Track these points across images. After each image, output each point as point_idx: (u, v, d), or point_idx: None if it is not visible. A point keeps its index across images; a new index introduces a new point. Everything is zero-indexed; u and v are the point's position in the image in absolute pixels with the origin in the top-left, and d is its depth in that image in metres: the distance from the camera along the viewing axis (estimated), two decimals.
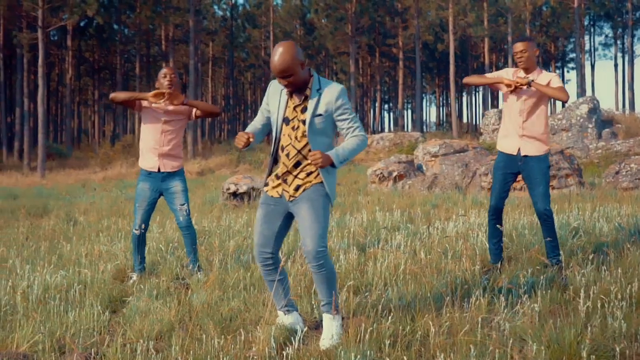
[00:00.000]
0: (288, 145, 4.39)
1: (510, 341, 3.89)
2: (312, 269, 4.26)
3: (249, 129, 4.65)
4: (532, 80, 6.10)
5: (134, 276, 6.60)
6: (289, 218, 4.53)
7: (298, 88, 4.34)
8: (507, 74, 6.36)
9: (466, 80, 6.45)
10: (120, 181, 25.37)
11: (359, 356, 3.72)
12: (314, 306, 5.05)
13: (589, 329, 4.09)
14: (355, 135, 4.32)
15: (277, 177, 4.47)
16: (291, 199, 4.38)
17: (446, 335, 4.14)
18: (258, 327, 4.37)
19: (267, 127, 4.72)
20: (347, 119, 4.33)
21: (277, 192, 4.48)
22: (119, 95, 6.49)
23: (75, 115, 77.48)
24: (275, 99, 4.50)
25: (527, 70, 6.26)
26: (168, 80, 6.46)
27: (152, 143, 6.54)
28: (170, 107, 6.53)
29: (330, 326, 4.32)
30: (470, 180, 16.00)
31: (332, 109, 4.31)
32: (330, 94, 4.30)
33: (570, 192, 13.78)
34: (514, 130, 6.30)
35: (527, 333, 4.09)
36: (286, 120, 4.41)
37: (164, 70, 6.53)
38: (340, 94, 4.30)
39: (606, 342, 3.93)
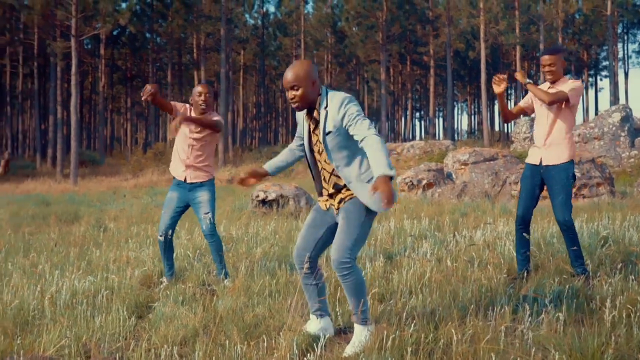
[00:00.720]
0: (322, 170, 4.44)
1: (533, 350, 3.86)
2: (339, 278, 4.30)
3: (275, 159, 4.85)
4: (529, 83, 6.18)
5: (164, 281, 6.68)
6: (334, 230, 4.58)
7: (306, 106, 4.30)
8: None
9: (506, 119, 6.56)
10: (150, 188, 25.57)
11: None
12: (338, 313, 5.06)
13: (613, 338, 4.05)
14: (368, 135, 4.05)
15: (325, 196, 4.52)
16: (337, 211, 4.43)
17: (469, 343, 4.13)
18: (281, 334, 4.38)
19: (294, 153, 4.83)
20: (354, 123, 4.13)
21: (325, 205, 4.54)
22: (159, 98, 6.50)
23: (108, 122, 78.30)
24: (301, 125, 4.55)
25: (554, 82, 6.25)
26: (203, 99, 6.52)
27: (181, 153, 6.64)
28: (191, 135, 6.60)
29: (359, 335, 4.35)
30: (500, 188, 15.91)
31: (339, 121, 4.20)
32: (333, 108, 4.21)
33: (601, 201, 13.66)
34: (539, 140, 6.31)
35: (550, 342, 4.06)
36: (312, 147, 4.44)
37: (199, 89, 6.56)
38: (341, 104, 4.18)
39: (630, 352, 3.90)
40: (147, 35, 59.30)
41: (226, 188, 23.96)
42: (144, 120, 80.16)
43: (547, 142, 6.22)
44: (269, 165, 4.80)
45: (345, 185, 4.37)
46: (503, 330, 4.23)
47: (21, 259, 8.30)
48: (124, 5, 52.19)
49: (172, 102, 6.63)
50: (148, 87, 6.11)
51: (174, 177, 6.79)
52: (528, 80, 6.21)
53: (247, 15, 69.71)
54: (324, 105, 4.26)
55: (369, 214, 4.31)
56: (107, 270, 7.19)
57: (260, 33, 69.94)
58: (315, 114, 4.31)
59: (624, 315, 4.55)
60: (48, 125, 53.87)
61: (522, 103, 6.56)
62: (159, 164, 38.17)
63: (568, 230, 6.11)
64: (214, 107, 6.68)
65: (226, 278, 6.57)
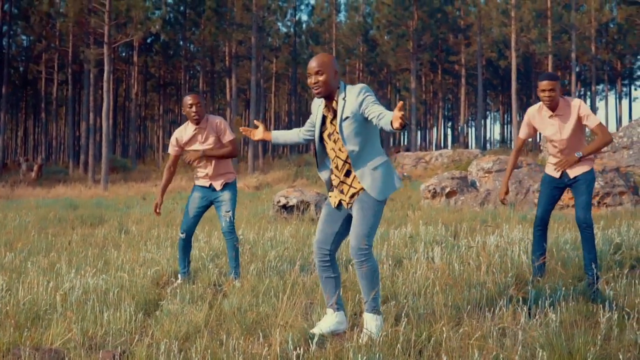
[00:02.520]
0: (335, 158, 4.70)
1: (519, 348, 3.93)
2: (355, 265, 4.54)
3: (278, 132, 5.18)
4: (581, 156, 6.16)
5: (179, 279, 6.86)
6: (349, 222, 4.82)
7: (326, 93, 4.55)
8: (534, 118, 6.45)
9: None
10: (178, 193, 25.84)
11: (366, 358, 3.80)
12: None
13: (600, 337, 4.10)
14: (384, 113, 4.20)
15: (335, 187, 4.77)
16: (349, 205, 4.68)
17: (459, 341, 4.20)
18: (277, 329, 4.49)
19: (299, 136, 5.10)
20: (371, 106, 4.36)
21: (334, 202, 4.78)
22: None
23: (141, 129, 79.02)
24: (315, 112, 4.79)
25: (553, 108, 6.26)
26: (195, 111, 6.68)
27: (202, 172, 6.89)
28: (196, 148, 6.80)
29: (370, 323, 4.55)
30: (524, 196, 15.88)
31: (357, 107, 4.45)
32: (352, 95, 4.49)
33: (624, 209, 13.59)
34: (557, 161, 6.38)
35: (538, 342, 4.12)
36: (329, 136, 4.68)
37: (189, 101, 6.69)
38: (360, 91, 4.45)
39: (616, 352, 3.95)
40: (180, 42, 59.83)
41: (252, 194, 24.14)
42: (177, 127, 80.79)
43: (574, 163, 6.32)
44: (274, 133, 5.15)
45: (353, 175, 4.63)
46: (496, 330, 4.30)
47: (41, 258, 8.49)
48: (157, 13, 52.69)
49: (170, 151, 6.98)
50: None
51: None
52: (579, 155, 6.24)
53: (279, 23, 70.04)
54: (342, 96, 4.53)
55: (380, 202, 4.58)
56: (122, 269, 7.35)
57: (293, 41, 70.26)
58: (334, 104, 4.58)
59: (617, 318, 4.59)
60: (81, 131, 54.56)
61: (523, 135, 6.62)
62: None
63: (587, 229, 6.16)
64: (204, 114, 6.83)
65: (237, 278, 6.70)
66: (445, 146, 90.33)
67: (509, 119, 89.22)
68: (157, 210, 6.94)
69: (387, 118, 4.09)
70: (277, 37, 72.85)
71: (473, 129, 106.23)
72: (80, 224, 13.59)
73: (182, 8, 56.61)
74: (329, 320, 4.78)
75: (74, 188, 33.10)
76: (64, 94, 70.35)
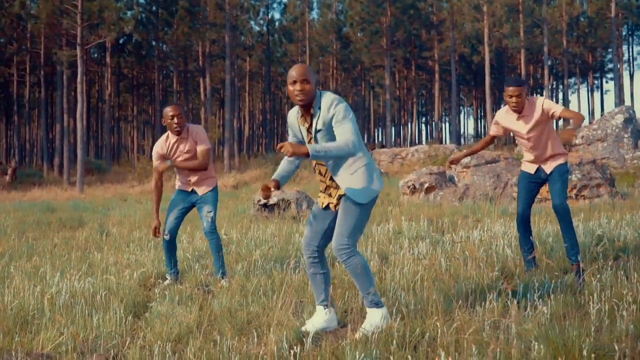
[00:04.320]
0: (316, 165, 4.78)
1: (514, 341, 3.96)
2: (341, 262, 4.59)
3: (277, 171, 5.00)
4: (573, 127, 6.21)
5: (168, 279, 6.85)
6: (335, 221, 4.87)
7: (308, 101, 4.53)
8: (503, 120, 6.51)
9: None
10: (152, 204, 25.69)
11: (363, 355, 3.81)
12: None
13: (592, 328, 4.14)
14: (343, 139, 4.35)
15: (323, 191, 4.84)
16: (336, 207, 4.75)
17: (454, 336, 4.22)
18: (271, 329, 4.49)
19: (292, 162, 5.02)
20: (338, 126, 4.43)
21: (322, 203, 4.85)
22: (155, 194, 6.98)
23: (114, 130, 78.54)
24: (295, 126, 4.80)
25: (519, 111, 6.31)
26: (176, 122, 6.66)
27: (184, 179, 6.92)
28: (180, 158, 6.77)
29: (372, 317, 4.60)
30: (502, 190, 15.99)
31: (328, 120, 4.49)
32: (324, 107, 4.50)
33: (601, 201, 13.72)
34: (538, 159, 6.47)
35: (532, 334, 4.15)
36: (308, 144, 4.70)
37: (170, 112, 6.66)
38: (330, 103, 4.47)
39: (610, 343, 3.99)
40: (153, 42, 59.50)
41: (230, 194, 24.08)
42: (151, 127, 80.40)
43: (548, 158, 6.41)
44: (277, 176, 4.98)
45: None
46: (489, 323, 4.33)
47: (24, 262, 8.42)
48: (129, 13, 52.34)
49: (154, 165, 6.91)
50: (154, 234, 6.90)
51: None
52: (572, 126, 6.29)
53: (252, 22, 69.85)
54: (317, 105, 4.54)
55: (363, 205, 4.58)
56: (107, 272, 7.31)
57: (266, 40, 70.08)
58: (312, 111, 4.58)
59: (606, 309, 4.63)
60: (55, 133, 54.12)
61: (492, 133, 6.69)
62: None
63: (565, 214, 6.23)
64: (185, 123, 6.81)
65: (223, 278, 6.70)
66: (420, 142, 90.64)
67: (482, 113, 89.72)
68: (157, 233, 6.87)
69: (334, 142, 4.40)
70: (251, 36, 72.66)
71: (447, 124, 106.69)
72: (59, 227, 13.48)
73: (154, 8, 56.28)
74: (319, 318, 4.81)
75: (49, 191, 32.84)
76: (37, 96, 69.72)
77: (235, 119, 52.98)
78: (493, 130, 6.66)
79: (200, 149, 6.72)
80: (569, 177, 6.58)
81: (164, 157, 6.84)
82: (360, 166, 4.59)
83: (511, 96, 6.19)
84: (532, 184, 6.53)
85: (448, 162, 6.74)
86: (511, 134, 6.77)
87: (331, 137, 4.53)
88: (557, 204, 6.26)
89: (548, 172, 6.40)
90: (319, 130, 4.53)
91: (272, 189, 4.70)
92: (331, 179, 4.71)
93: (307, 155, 4.21)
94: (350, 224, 4.54)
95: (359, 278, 4.56)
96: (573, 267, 6.20)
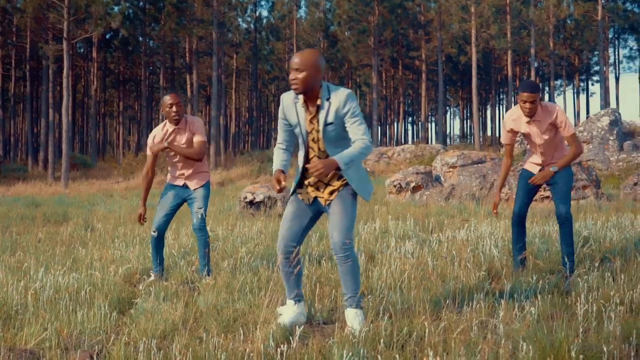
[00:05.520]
0: (313, 157, 4.65)
1: (502, 341, 3.94)
2: (338, 261, 4.50)
3: (277, 162, 4.80)
4: (556, 170, 6.22)
5: (152, 276, 6.78)
6: (316, 217, 4.81)
7: (304, 91, 4.47)
8: (514, 124, 6.43)
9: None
10: (141, 191, 25.61)
11: (350, 354, 3.78)
12: (317, 309, 5.13)
13: (580, 329, 4.14)
14: (360, 139, 4.41)
15: (310, 185, 4.70)
16: (327, 202, 4.64)
17: (442, 335, 4.21)
18: (258, 326, 4.46)
19: (291, 145, 4.91)
20: (353, 123, 4.44)
21: (308, 199, 4.72)
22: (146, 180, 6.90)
23: (100, 126, 78.19)
24: (291, 112, 4.66)
25: (531, 116, 6.23)
26: (175, 111, 6.59)
27: (177, 172, 6.83)
28: (182, 137, 6.70)
29: (352, 320, 4.53)
30: (488, 191, 16.02)
31: (341, 115, 4.46)
32: (337, 100, 4.45)
33: (587, 203, 13.76)
34: (545, 162, 6.43)
35: (520, 334, 4.14)
36: (308, 134, 4.62)
37: (169, 101, 6.61)
38: (347, 99, 4.43)
39: (597, 344, 3.98)
40: (140, 38, 59.23)
41: (216, 191, 24.01)
42: (137, 123, 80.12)
43: (551, 162, 6.40)
44: (280, 166, 4.79)
45: (335, 173, 4.58)
46: (476, 323, 4.31)
47: (8, 257, 8.35)
48: (116, 8, 52.08)
49: (149, 147, 6.84)
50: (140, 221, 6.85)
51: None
52: (555, 169, 6.28)
53: (239, 19, 69.67)
54: (325, 96, 4.49)
55: (355, 199, 4.61)
56: (92, 267, 7.25)
57: (253, 37, 69.95)
58: (318, 102, 4.50)
59: (594, 310, 4.63)
60: (40, 128, 53.82)
61: (507, 141, 6.56)
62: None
63: (567, 223, 6.23)
64: (183, 114, 6.75)
65: (208, 275, 6.65)
66: (406, 141, 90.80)
67: (468, 114, 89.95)
68: (142, 220, 6.84)
69: (354, 145, 4.41)
70: (238, 33, 72.55)
71: (433, 124, 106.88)
72: (44, 222, 13.39)
73: (141, 3, 56.02)
74: (289, 311, 4.81)
75: (34, 186, 32.64)
76: (22, 90, 69.32)
77: (222, 116, 52.77)
78: (507, 139, 6.53)
79: (197, 139, 6.66)
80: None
81: None
82: (362, 166, 4.64)
83: (525, 102, 6.11)
84: (532, 184, 6.49)
85: (494, 211, 6.64)
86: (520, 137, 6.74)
87: (341, 130, 4.51)
88: (562, 213, 6.24)
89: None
90: (330, 124, 4.48)
91: (284, 180, 4.61)
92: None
93: (337, 169, 4.30)
94: (349, 217, 4.51)
95: (352, 277, 4.52)
96: (564, 274, 6.20)
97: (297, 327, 4.46)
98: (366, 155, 4.39)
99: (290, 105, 4.66)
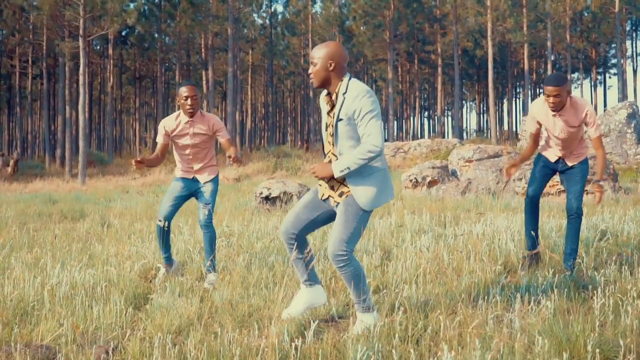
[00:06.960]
0: (329, 152, 4.49)
1: (518, 335, 3.92)
2: (336, 269, 4.41)
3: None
4: (599, 182, 6.09)
5: (162, 269, 6.74)
6: (331, 216, 4.63)
7: (320, 84, 4.37)
8: (538, 114, 6.27)
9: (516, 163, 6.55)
10: (157, 187, 25.70)
11: (365, 348, 3.78)
12: (333, 304, 5.12)
13: (597, 323, 4.11)
14: (365, 142, 4.20)
15: (326, 181, 4.52)
16: (335, 204, 4.46)
17: (457, 330, 4.19)
18: (272, 321, 4.45)
19: None
20: (362, 123, 4.22)
21: (323, 194, 4.56)
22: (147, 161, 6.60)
23: (117, 123, 78.54)
24: (322, 104, 4.57)
25: (557, 110, 6.02)
26: (190, 103, 6.45)
27: (186, 166, 6.72)
28: (186, 142, 6.62)
29: (363, 321, 4.43)
30: (505, 185, 15.94)
31: (351, 112, 4.24)
32: (350, 97, 4.24)
33: (605, 196, 13.67)
34: (564, 153, 6.34)
35: (536, 328, 4.12)
36: (327, 127, 4.48)
37: (185, 92, 6.45)
38: (357, 95, 4.21)
39: (614, 338, 3.95)
40: (155, 35, 59.43)
41: (232, 186, 24.05)
42: (153, 120, 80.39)
43: (573, 154, 6.31)
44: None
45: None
46: (492, 318, 4.29)
47: (25, 253, 8.39)
48: (132, 5, 52.24)
49: (158, 140, 6.73)
50: (134, 164, 6.29)
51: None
52: (602, 183, 6.23)
53: (255, 15, 69.77)
54: (342, 91, 4.32)
55: (367, 211, 4.39)
56: (108, 264, 7.28)
57: (269, 33, 70.06)
58: (333, 96, 4.37)
59: (611, 304, 4.60)
60: (57, 125, 54.10)
61: (533, 129, 6.43)
62: (167, 162, 38.32)
63: (577, 219, 6.17)
64: (199, 106, 6.69)
65: (211, 272, 6.57)
66: (422, 136, 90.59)
67: (485, 108, 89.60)
68: (137, 159, 6.36)
69: (356, 150, 4.23)
70: (253, 29, 72.68)
71: (450, 118, 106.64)
72: (61, 218, 13.46)
73: (157, 0, 56.22)
74: (302, 297, 4.71)
75: (51, 182, 32.83)
76: (39, 88, 69.71)
77: (238, 112, 52.92)
78: (532, 128, 6.40)
79: (225, 139, 6.59)
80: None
81: (168, 135, 6.66)
82: (376, 170, 4.37)
83: (549, 95, 5.90)
84: (548, 170, 6.41)
85: (506, 172, 6.53)
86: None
87: (351, 129, 4.27)
88: (573, 207, 6.16)
89: (570, 164, 6.30)
90: (340, 120, 4.27)
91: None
92: None
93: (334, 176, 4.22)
94: (350, 228, 4.30)
95: (352, 285, 4.37)
96: (565, 270, 6.14)
97: (313, 316, 4.46)
98: (368, 159, 4.17)
99: (322, 101, 4.56)
